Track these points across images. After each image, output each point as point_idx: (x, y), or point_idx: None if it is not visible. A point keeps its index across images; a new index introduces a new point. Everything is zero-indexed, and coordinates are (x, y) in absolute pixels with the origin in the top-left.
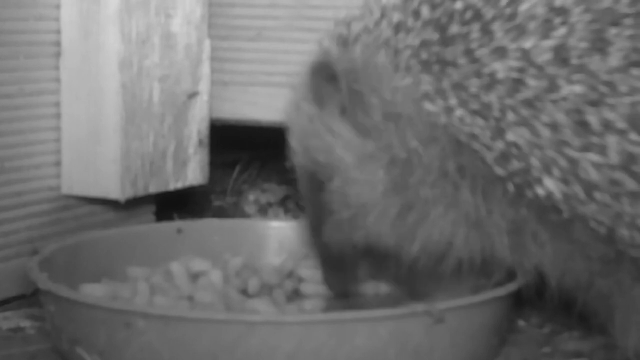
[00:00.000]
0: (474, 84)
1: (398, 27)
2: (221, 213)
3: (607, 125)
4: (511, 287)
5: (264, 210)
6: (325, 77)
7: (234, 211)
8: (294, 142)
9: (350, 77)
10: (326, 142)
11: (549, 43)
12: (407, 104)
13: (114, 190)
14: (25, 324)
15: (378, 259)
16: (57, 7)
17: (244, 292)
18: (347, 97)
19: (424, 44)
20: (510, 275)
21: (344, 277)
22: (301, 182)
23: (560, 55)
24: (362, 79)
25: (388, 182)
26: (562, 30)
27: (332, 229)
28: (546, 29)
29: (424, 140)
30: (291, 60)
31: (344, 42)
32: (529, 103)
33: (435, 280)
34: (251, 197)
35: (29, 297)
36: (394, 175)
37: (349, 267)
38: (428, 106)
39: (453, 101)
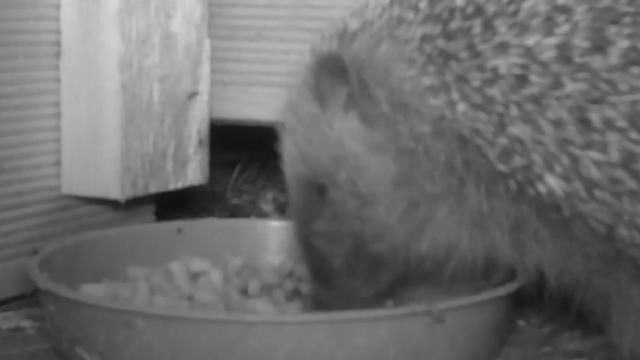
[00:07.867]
0: (476, 78)
1: (400, 21)
2: (238, 211)
3: (608, 123)
4: (511, 287)
5: (281, 209)
6: (331, 70)
7: (251, 209)
8: (290, 149)
9: (357, 67)
10: (331, 138)
11: (552, 41)
12: (413, 95)
13: (114, 190)
14: (25, 324)
15: (371, 265)
16: (57, 7)
17: (244, 292)
18: (356, 87)
19: (426, 37)
20: (510, 275)
21: (338, 288)
22: (295, 193)
23: (564, 53)
24: (368, 69)
25: (397, 173)
26: (565, 28)
27: (329, 235)
28: (549, 26)
29: (430, 133)
30: (291, 60)
31: (345, 36)
32: (533, 99)
33: (435, 282)
34: (269, 195)
35: (29, 297)
36: (402, 166)
37: (342, 276)
38: (432, 100)
39: (455, 95)
